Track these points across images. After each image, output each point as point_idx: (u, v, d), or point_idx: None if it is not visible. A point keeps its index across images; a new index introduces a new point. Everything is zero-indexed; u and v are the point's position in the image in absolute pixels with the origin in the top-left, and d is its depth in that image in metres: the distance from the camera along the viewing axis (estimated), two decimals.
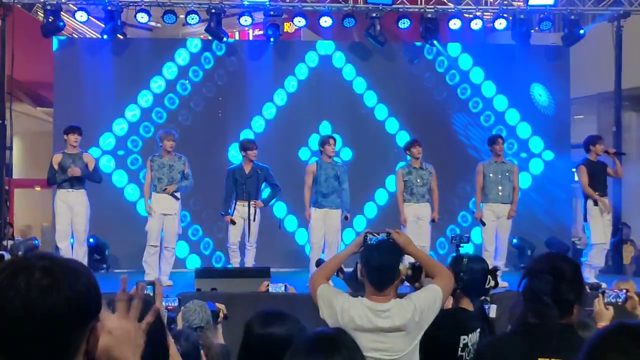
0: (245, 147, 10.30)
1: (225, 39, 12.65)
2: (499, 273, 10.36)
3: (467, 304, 4.31)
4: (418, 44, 12.99)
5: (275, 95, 12.86)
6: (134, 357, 1.77)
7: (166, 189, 9.98)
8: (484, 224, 10.25)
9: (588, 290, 7.41)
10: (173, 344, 2.56)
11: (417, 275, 4.31)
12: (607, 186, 10.28)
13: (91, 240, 11.37)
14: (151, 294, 2.52)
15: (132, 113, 12.63)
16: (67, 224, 9.99)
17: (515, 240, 12.34)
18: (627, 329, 1.71)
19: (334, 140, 10.22)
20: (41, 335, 1.52)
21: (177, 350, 2.59)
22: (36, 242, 12.28)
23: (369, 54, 13.00)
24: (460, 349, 4.13)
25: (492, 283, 4.45)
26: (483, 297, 4.65)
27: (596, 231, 10.09)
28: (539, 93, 13.22)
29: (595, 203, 10.05)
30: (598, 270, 10.19)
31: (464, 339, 4.15)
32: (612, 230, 10.60)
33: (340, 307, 3.84)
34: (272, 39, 12.74)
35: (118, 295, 1.79)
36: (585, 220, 10.22)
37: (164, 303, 5.11)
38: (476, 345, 4.19)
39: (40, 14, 13.11)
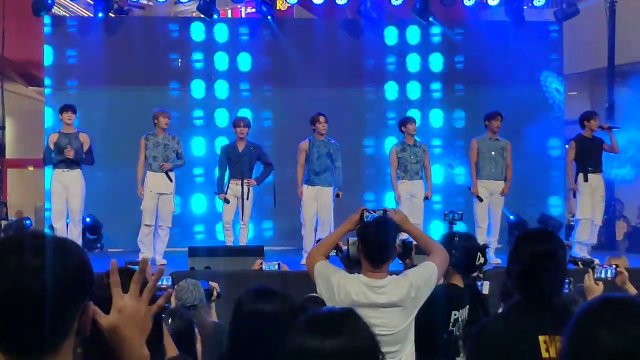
0: (233, 124, 10.26)
1: (216, 16, 12.59)
2: (491, 249, 10.42)
3: (458, 281, 4.39)
4: None
5: None
6: (140, 339, 1.77)
7: (162, 165, 9.94)
8: (480, 200, 10.24)
9: (581, 266, 7.47)
10: (168, 334, 2.55)
11: (408, 252, 4.36)
12: (602, 162, 10.26)
13: (88, 219, 11.39)
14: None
15: None
16: (63, 204, 10.00)
17: (512, 217, 12.37)
18: (613, 302, 1.72)
19: (324, 117, 10.11)
20: (32, 315, 1.51)
21: (172, 341, 2.58)
22: (28, 222, 12.27)
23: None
24: (451, 324, 4.21)
25: (482, 260, 4.55)
26: (476, 274, 4.71)
27: (581, 206, 10.17)
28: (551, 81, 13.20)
29: (585, 179, 10.09)
30: (590, 247, 10.22)
31: (455, 314, 4.24)
32: (605, 207, 10.61)
33: (337, 283, 3.87)
34: (269, 17, 12.65)
35: (134, 275, 1.79)
36: (574, 196, 10.30)
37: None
38: (465, 321, 4.26)
39: None
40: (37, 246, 1.55)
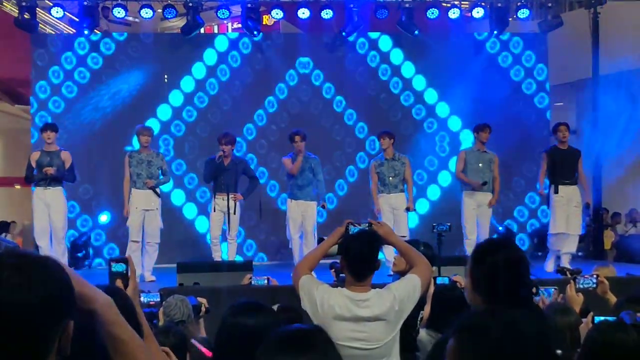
0: (217, 140, 10.21)
1: (202, 31, 12.61)
2: None
3: None
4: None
5: None
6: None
7: (146, 182, 9.92)
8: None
9: (569, 276, 7.49)
10: (146, 324, 2.53)
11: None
12: (575, 174, 10.14)
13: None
14: (124, 273, 2.80)
15: None
16: (46, 222, 9.92)
17: (500, 228, 12.40)
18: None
19: (300, 136, 10.08)
20: (12, 334, 1.50)
21: (150, 331, 2.56)
22: None
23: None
24: (418, 322, 4.56)
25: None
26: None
27: (553, 220, 10.13)
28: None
29: (555, 190, 10.07)
30: (571, 255, 10.17)
31: (421, 314, 4.60)
32: (583, 219, 10.51)
33: (320, 297, 3.86)
34: (255, 32, 12.62)
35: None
36: (548, 207, 10.32)
37: (145, 299, 5.11)
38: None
39: (8, 6, 12.92)
40: (15, 265, 1.53)
